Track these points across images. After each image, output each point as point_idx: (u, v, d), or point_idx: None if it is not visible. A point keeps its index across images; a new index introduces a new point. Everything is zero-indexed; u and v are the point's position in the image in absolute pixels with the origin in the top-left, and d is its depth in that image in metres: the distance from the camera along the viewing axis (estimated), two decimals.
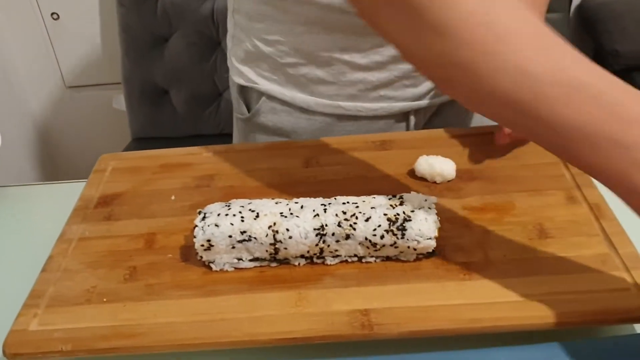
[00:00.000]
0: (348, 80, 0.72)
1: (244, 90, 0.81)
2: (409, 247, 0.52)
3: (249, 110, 0.81)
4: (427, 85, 0.75)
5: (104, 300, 0.53)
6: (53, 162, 2.00)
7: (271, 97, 0.77)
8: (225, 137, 1.57)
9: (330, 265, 0.54)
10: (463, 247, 0.55)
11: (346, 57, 0.70)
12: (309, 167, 0.67)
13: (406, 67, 0.71)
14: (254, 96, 0.79)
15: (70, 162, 1.98)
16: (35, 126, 1.92)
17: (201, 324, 0.50)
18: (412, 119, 0.77)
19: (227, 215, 0.53)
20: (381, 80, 0.72)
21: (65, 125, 1.92)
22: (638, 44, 1.41)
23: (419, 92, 0.75)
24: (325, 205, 0.54)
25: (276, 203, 0.55)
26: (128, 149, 1.58)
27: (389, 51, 0.70)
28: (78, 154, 1.94)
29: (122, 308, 0.52)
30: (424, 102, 0.76)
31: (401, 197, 0.54)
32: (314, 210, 0.53)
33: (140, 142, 1.60)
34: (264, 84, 0.77)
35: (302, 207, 0.54)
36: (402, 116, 0.77)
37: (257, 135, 0.81)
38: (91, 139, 1.91)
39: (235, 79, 0.80)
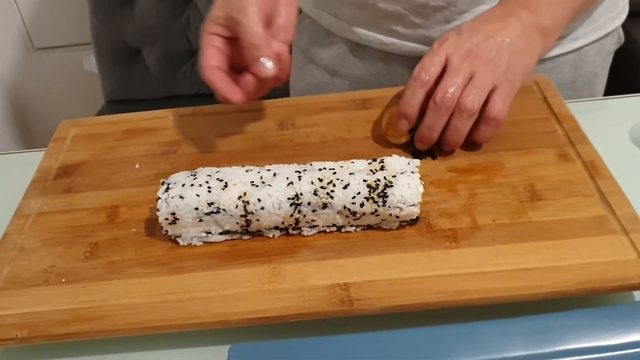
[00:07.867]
0: (362, 2, 0.71)
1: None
2: (391, 214, 0.48)
3: None
4: (439, 29, 0.70)
5: (63, 280, 0.49)
6: (23, 129, 1.92)
7: (304, 15, 0.81)
8: (201, 97, 1.50)
9: (307, 236, 0.50)
10: (449, 212, 0.51)
11: None
12: (283, 129, 0.63)
13: (414, 1, 0.68)
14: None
15: (41, 129, 1.90)
16: (4, 91, 1.84)
17: (167, 304, 0.46)
18: None
19: (192, 185, 0.49)
20: (389, 11, 0.70)
21: (35, 89, 1.84)
22: None
23: (431, 36, 0.71)
24: (299, 172, 0.50)
25: (246, 171, 0.51)
26: (102, 112, 1.51)
27: None
28: (49, 119, 1.86)
29: (82, 289, 0.48)
30: None
31: (382, 161, 0.50)
32: (287, 178, 0.49)
33: (114, 104, 1.54)
34: (302, 1, 0.81)
35: (274, 174, 0.50)
36: (415, 61, 0.73)
37: (294, 55, 0.84)
38: (63, 103, 1.83)
39: None
